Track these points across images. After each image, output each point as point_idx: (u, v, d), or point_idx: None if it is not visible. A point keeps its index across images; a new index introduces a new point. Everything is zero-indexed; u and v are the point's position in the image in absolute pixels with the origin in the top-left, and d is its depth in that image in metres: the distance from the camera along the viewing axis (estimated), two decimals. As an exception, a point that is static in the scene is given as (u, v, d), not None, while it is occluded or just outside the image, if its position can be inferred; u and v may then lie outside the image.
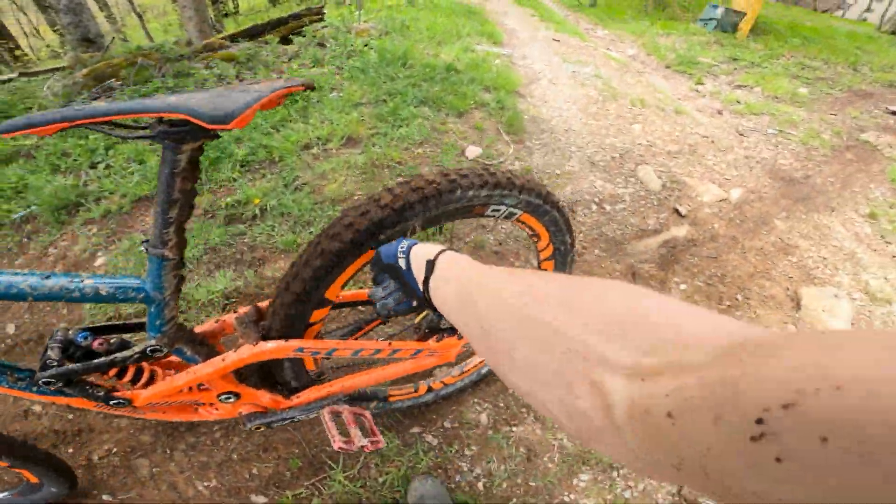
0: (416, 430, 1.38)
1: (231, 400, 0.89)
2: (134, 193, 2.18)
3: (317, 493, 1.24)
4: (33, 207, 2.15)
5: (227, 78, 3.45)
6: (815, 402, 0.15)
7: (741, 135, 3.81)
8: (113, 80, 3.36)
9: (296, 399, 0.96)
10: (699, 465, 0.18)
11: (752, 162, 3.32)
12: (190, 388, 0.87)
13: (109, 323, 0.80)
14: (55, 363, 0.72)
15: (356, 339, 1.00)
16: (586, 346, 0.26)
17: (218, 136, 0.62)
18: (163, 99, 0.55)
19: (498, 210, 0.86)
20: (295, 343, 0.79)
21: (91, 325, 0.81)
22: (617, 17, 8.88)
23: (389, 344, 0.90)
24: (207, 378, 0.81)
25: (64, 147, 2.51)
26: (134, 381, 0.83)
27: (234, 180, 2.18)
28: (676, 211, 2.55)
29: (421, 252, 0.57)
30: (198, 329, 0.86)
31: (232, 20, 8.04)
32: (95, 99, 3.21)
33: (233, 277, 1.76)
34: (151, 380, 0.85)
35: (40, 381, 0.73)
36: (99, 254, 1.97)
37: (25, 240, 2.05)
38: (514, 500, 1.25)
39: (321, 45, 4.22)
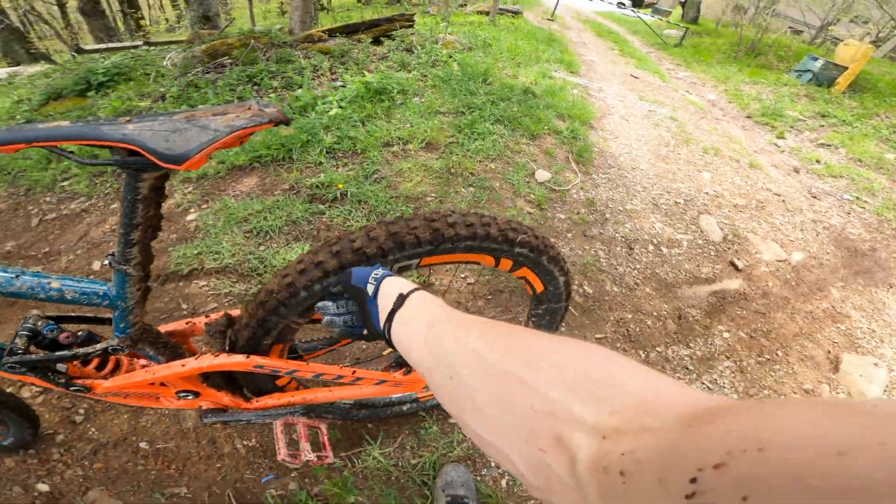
0: (453, 420, 1.48)
1: (189, 398, 0.91)
2: (231, 162, 2.45)
3: (349, 464, 1.30)
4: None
5: (321, 70, 3.76)
6: (741, 462, 0.16)
7: (814, 197, 3.66)
8: (226, 58, 3.75)
9: (256, 403, 0.97)
10: None
11: (820, 227, 3.20)
12: (151, 383, 0.88)
13: (79, 314, 0.83)
14: (20, 351, 0.76)
15: (329, 349, 1.00)
16: (553, 401, 0.27)
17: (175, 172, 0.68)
18: (120, 129, 0.52)
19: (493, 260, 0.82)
20: (256, 360, 0.79)
21: (60, 315, 0.83)
22: (702, 59, 8.68)
23: (353, 372, 0.90)
24: (165, 378, 0.83)
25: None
26: (99, 367, 0.87)
27: (320, 164, 2.41)
28: (733, 264, 2.52)
29: (393, 285, 0.55)
30: (166, 328, 0.87)
31: (327, 15, 8.61)
32: (207, 73, 3.60)
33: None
34: (117, 367, 0.89)
35: (6, 365, 0.76)
36: (192, 210, 2.22)
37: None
38: (532, 502, 1.33)
39: (409, 50, 4.48)
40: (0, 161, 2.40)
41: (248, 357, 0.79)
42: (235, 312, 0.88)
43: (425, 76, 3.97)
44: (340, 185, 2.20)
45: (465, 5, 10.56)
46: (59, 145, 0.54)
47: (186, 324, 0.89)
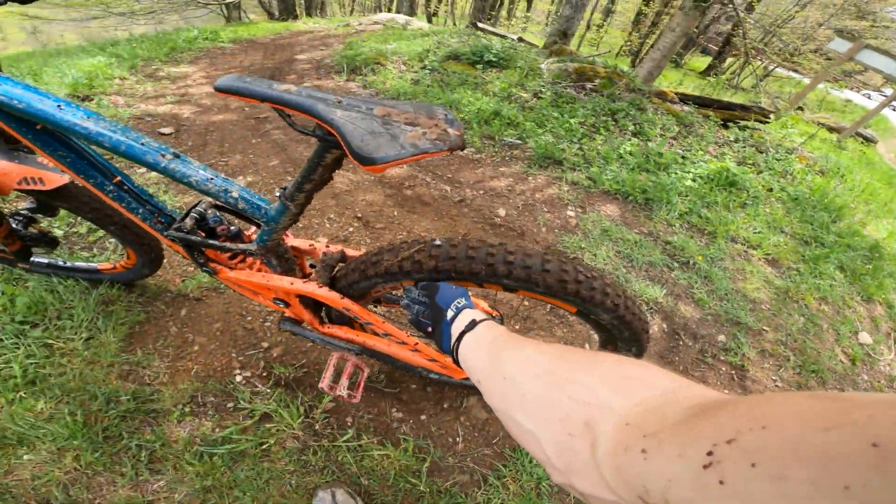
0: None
1: (281, 305, 1.04)
2: (602, 181, 2.66)
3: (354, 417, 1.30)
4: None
5: (669, 131, 3.76)
6: (749, 437, 0.20)
7: None
8: (590, 82, 4.07)
9: (326, 329, 1.08)
10: (661, 492, 0.22)
11: None
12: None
13: (238, 210, 0.90)
14: (185, 230, 0.91)
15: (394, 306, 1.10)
16: (594, 394, 0.31)
17: None
18: (331, 111, 0.60)
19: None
20: (347, 303, 0.90)
21: (222, 206, 0.97)
22: None
23: (415, 343, 1.00)
24: (274, 288, 0.96)
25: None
26: (230, 256, 1.04)
27: (671, 225, 2.46)
28: None
29: (469, 314, 0.63)
30: (293, 243, 1.00)
31: (678, 70, 8.67)
32: (571, 89, 3.97)
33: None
34: (242, 260, 1.05)
35: (169, 233, 0.93)
36: (571, 207, 2.49)
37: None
38: None
39: (758, 149, 4.14)
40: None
41: (342, 298, 0.90)
42: (350, 251, 0.98)
43: (771, 189, 3.61)
44: (700, 258, 2.22)
45: (802, 109, 9.26)
46: (284, 109, 0.62)
47: (309, 245, 1.00)
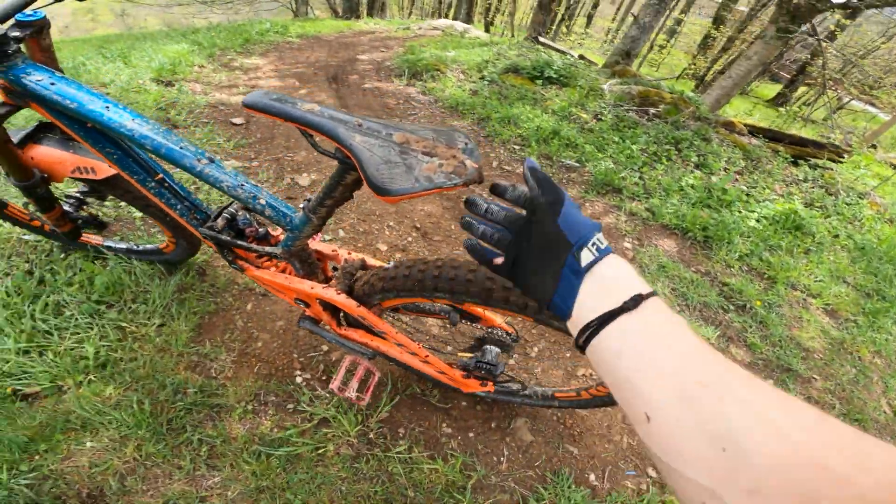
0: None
1: (301, 305, 1.07)
2: (661, 215, 2.58)
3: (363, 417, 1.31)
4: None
5: (735, 167, 3.59)
6: None
7: None
8: (653, 108, 3.95)
9: (342, 330, 1.11)
10: None
11: None
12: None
13: (265, 216, 0.93)
14: (217, 229, 0.96)
15: (419, 314, 1.10)
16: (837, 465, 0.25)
17: None
18: (350, 136, 0.60)
19: None
20: (362, 311, 0.93)
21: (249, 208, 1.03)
22: None
23: (426, 356, 1.03)
24: (296, 290, 1.00)
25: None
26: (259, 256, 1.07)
27: (730, 266, 2.36)
28: None
29: (622, 272, 0.40)
30: (316, 246, 1.04)
31: (747, 98, 8.35)
32: (634, 112, 3.87)
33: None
34: (269, 259, 1.09)
35: (203, 230, 0.98)
36: (627, 238, 2.45)
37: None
38: None
39: (827, 190, 3.89)
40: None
41: (358, 306, 0.93)
42: (371, 260, 1.01)
43: (837, 236, 3.38)
44: (759, 303, 2.13)
45: (875, 147, 8.65)
46: (306, 130, 0.63)
47: (332, 251, 1.04)
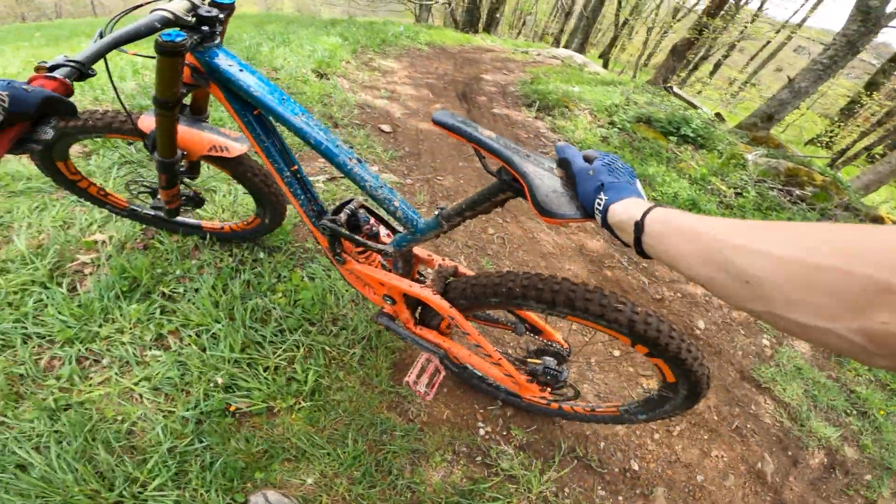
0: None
1: (388, 302, 1.11)
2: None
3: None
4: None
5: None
6: None
7: None
8: (799, 188, 3.63)
9: (418, 329, 1.15)
10: None
11: None
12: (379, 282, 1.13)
13: (395, 216, 0.94)
14: (335, 223, 1.01)
15: (492, 324, 1.18)
16: (884, 282, 0.27)
17: None
18: (524, 164, 0.66)
19: None
20: (454, 313, 0.97)
21: (372, 210, 1.11)
22: None
23: (500, 358, 1.08)
24: (392, 287, 1.05)
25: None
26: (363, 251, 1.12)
27: (859, 375, 2.28)
28: None
29: (621, 213, 0.52)
30: (416, 251, 1.07)
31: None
32: (777, 190, 3.58)
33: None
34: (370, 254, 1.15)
35: (320, 223, 1.03)
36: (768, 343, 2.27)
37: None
38: None
39: None
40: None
41: (451, 307, 0.98)
42: (462, 269, 1.07)
43: None
44: (882, 412, 2.01)
45: None
46: (481, 151, 0.70)
47: (428, 255, 1.08)
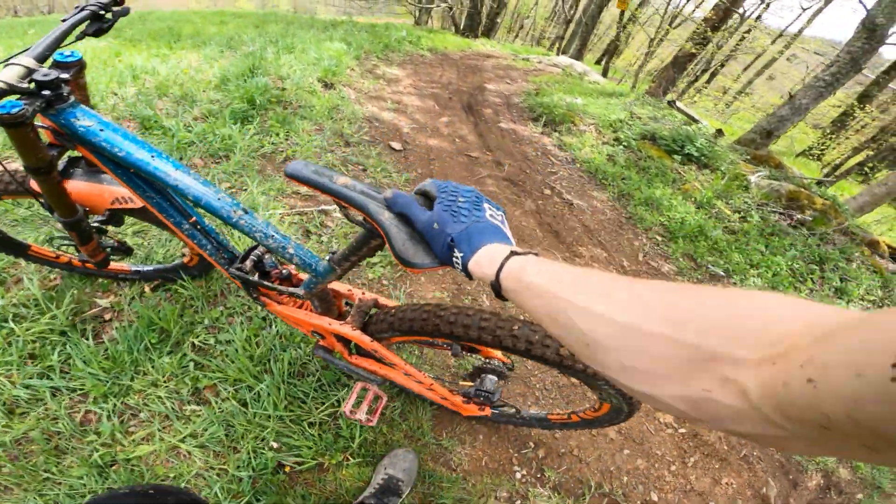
0: None
1: (317, 336, 1.14)
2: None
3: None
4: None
5: (871, 296, 3.26)
6: None
7: None
8: (800, 212, 3.68)
9: (354, 359, 1.18)
10: (846, 416, 0.21)
11: None
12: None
13: (292, 263, 0.96)
14: (242, 271, 1.03)
15: (419, 341, 1.16)
16: (710, 350, 0.28)
17: None
18: (380, 213, 0.64)
19: None
20: (376, 346, 1.02)
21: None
22: None
23: (430, 384, 1.13)
24: (315, 325, 1.08)
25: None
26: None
27: None
28: None
29: (476, 269, 0.50)
30: (334, 286, 1.10)
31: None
32: (778, 214, 3.63)
33: None
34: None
35: (231, 270, 1.04)
36: None
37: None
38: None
39: None
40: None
41: (372, 341, 1.02)
42: (383, 300, 1.09)
43: None
44: None
45: None
46: (340, 203, 0.68)
47: (347, 290, 1.12)
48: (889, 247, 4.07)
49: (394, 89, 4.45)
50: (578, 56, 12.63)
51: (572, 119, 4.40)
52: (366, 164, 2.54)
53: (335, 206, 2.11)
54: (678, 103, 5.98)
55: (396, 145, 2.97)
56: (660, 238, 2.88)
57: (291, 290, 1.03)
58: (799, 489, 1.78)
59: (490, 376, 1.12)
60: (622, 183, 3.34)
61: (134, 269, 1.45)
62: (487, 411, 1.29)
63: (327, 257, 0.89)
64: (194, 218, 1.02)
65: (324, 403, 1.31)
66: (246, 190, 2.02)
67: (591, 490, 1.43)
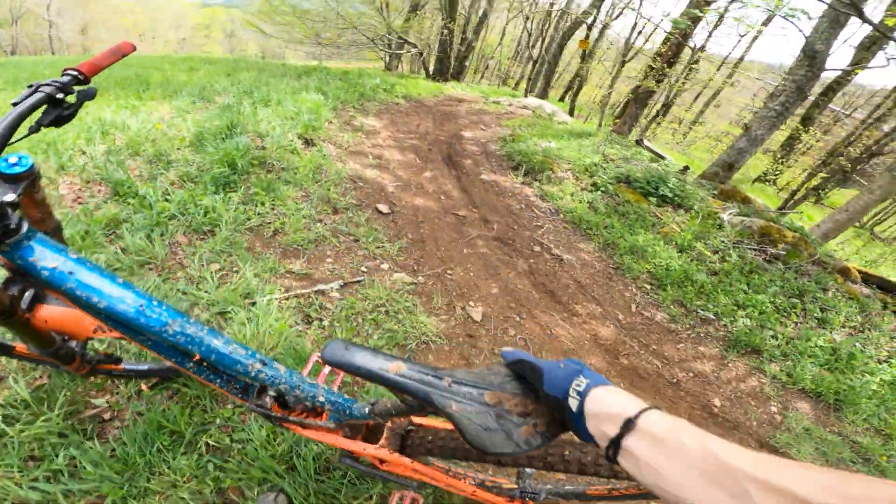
0: None
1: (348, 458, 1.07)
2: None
3: None
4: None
5: (851, 322, 3.40)
6: None
7: None
8: (772, 246, 3.85)
9: (385, 466, 1.09)
10: None
11: None
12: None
13: (325, 411, 0.94)
14: (262, 408, 0.91)
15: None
16: None
17: None
18: (446, 401, 0.59)
19: None
20: (417, 466, 0.95)
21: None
22: None
23: (474, 491, 1.07)
24: (350, 449, 0.99)
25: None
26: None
27: (856, 425, 2.36)
28: None
29: (609, 400, 0.46)
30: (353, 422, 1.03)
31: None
32: (754, 251, 3.78)
33: None
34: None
35: (252, 404, 0.92)
36: None
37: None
38: None
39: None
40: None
41: (412, 462, 0.94)
42: (417, 419, 1.03)
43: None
44: (884, 458, 2.11)
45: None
46: (400, 394, 0.63)
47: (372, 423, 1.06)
48: (860, 272, 4.30)
49: (373, 142, 4.49)
50: (544, 94, 13.28)
51: (550, 166, 4.54)
52: (356, 233, 2.50)
53: (332, 286, 2.05)
54: (645, 141, 6.29)
55: (384, 208, 2.96)
56: (649, 286, 2.93)
57: (320, 423, 0.95)
58: None
59: (526, 470, 1.09)
60: (606, 232, 3.42)
61: (128, 367, 1.33)
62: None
63: (367, 408, 0.82)
64: (197, 355, 0.87)
65: (356, 498, 1.27)
66: (238, 272, 1.94)
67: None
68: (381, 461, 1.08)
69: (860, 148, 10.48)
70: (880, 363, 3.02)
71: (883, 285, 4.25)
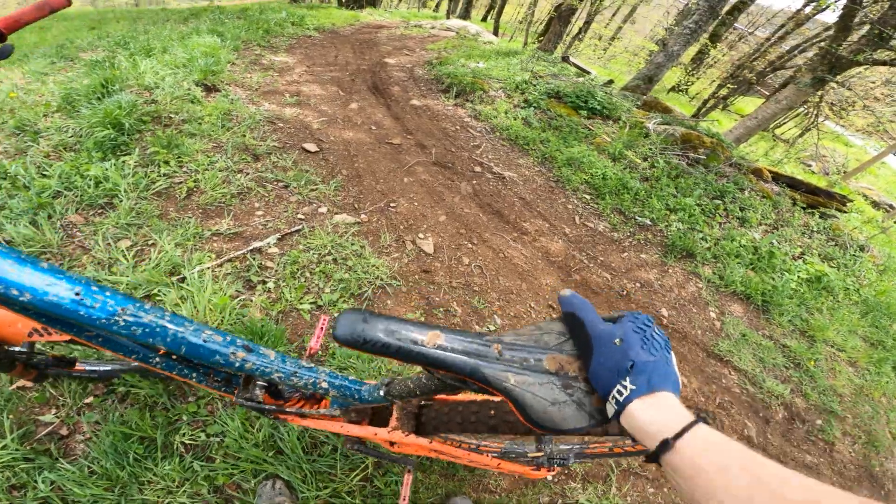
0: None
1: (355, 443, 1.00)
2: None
3: None
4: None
5: (767, 220, 3.81)
6: None
7: None
8: (693, 152, 4.10)
9: (396, 448, 1.01)
10: None
11: None
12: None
13: (331, 397, 0.85)
14: (252, 401, 0.81)
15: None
16: None
17: None
18: (502, 378, 0.49)
19: None
20: (437, 446, 0.87)
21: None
22: None
23: (499, 464, 0.98)
24: (356, 435, 0.92)
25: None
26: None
27: (783, 327, 2.54)
28: None
29: (645, 418, 0.41)
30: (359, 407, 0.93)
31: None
32: (677, 156, 4.00)
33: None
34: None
35: (240, 399, 0.82)
36: None
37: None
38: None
39: (834, 242, 4.22)
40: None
41: (431, 442, 0.86)
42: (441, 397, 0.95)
43: (847, 288, 3.69)
44: (812, 363, 2.35)
45: (845, 173, 9.39)
46: (440, 372, 0.52)
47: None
48: (770, 171, 4.74)
49: (288, 79, 4.01)
50: (466, 15, 12.54)
51: (481, 86, 4.36)
52: (285, 178, 2.26)
53: (269, 241, 1.86)
54: (571, 58, 6.21)
55: (311, 147, 2.69)
56: (588, 197, 3.02)
57: (322, 411, 0.84)
58: (771, 424, 2.00)
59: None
60: (542, 146, 3.41)
61: (87, 368, 1.14)
62: (556, 469, 1.12)
63: (381, 390, 0.69)
64: (163, 349, 0.68)
65: (353, 470, 1.26)
66: (155, 245, 1.69)
67: (614, 471, 1.53)
68: (393, 444, 0.96)
69: (764, 63, 11.31)
70: (795, 260, 3.37)
71: (791, 183, 4.73)
